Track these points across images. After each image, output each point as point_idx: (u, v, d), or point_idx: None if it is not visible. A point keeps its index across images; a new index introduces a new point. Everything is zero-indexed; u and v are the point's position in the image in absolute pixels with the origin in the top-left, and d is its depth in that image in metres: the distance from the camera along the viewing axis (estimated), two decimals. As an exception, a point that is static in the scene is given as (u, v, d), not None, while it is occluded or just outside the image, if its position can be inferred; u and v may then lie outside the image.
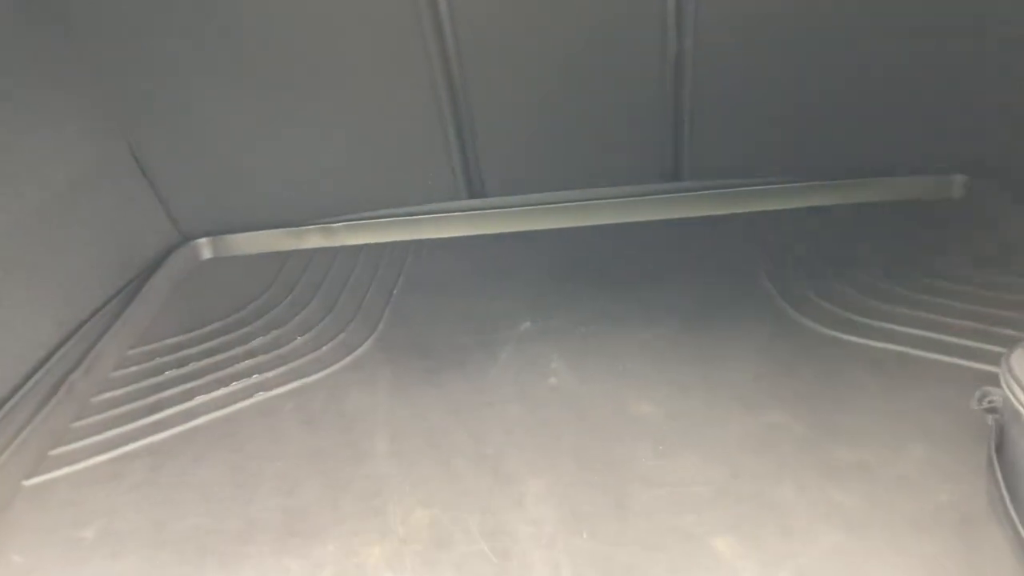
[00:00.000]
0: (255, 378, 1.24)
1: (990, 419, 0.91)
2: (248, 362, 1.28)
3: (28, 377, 1.22)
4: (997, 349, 1.06)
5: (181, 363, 1.30)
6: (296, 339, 1.33)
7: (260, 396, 1.21)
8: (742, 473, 0.98)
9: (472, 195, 1.60)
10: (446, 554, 0.90)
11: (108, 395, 1.25)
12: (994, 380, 0.89)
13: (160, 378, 1.27)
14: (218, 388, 1.23)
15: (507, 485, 1.00)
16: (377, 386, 1.21)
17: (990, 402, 0.91)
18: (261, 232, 1.63)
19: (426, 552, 0.91)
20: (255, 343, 1.33)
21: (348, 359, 1.28)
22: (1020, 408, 0.83)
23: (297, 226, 1.63)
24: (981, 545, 0.85)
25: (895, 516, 0.90)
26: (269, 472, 1.07)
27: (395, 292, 1.44)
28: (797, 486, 0.95)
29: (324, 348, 1.31)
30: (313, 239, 1.63)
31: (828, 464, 0.98)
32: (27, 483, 1.09)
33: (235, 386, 1.23)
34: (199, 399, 1.21)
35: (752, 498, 0.94)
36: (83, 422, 1.19)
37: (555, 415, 1.12)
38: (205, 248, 1.64)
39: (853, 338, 1.18)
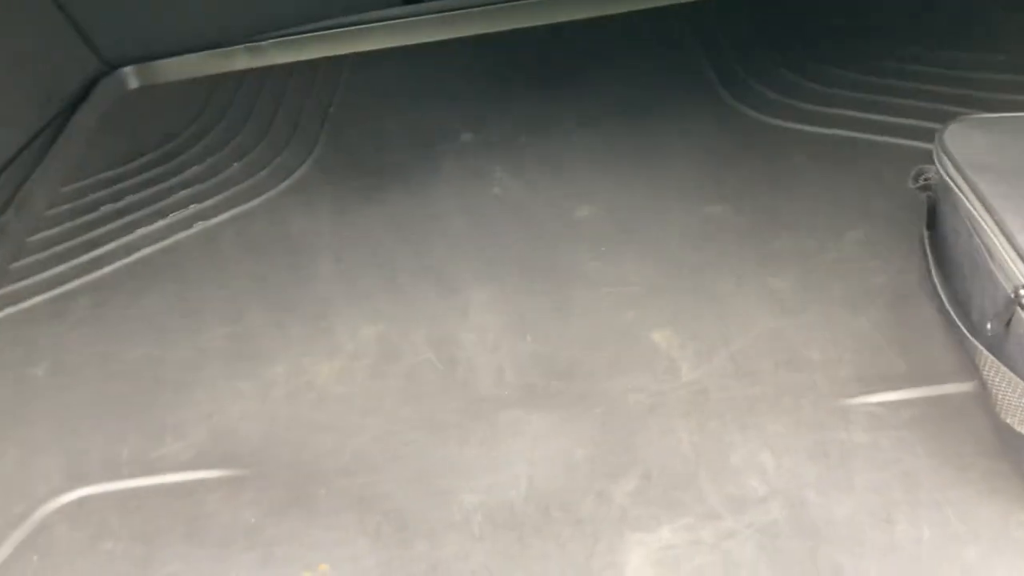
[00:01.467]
0: (193, 208, 1.22)
1: (924, 197, 0.92)
2: (185, 192, 1.25)
3: (-43, 223, 1.19)
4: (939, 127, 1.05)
5: (116, 197, 1.27)
6: (233, 165, 1.29)
7: (200, 226, 1.19)
8: (682, 268, 0.99)
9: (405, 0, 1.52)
10: (394, 366, 0.92)
11: (44, 234, 1.22)
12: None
13: (96, 214, 1.24)
14: (157, 220, 1.20)
15: (451, 296, 1.00)
16: (318, 208, 1.19)
17: (925, 179, 0.91)
18: (187, 56, 1.55)
19: (375, 366, 0.92)
20: (190, 172, 1.29)
21: (287, 182, 1.25)
22: (949, 182, 0.83)
23: (225, 46, 1.55)
24: (911, 320, 0.88)
25: (830, 297, 0.92)
26: (214, 301, 1.06)
27: (330, 111, 1.39)
28: (736, 277, 0.96)
29: (262, 173, 1.27)
30: (242, 60, 1.55)
31: (767, 253, 0.99)
32: (-30, 327, 1.08)
33: (174, 217, 1.21)
34: (139, 232, 1.19)
35: (690, 291, 0.96)
36: (21, 263, 1.17)
37: (499, 225, 1.11)
38: (131, 77, 1.56)
39: (795, 125, 1.17)
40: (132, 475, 0.85)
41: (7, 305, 1.10)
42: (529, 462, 0.80)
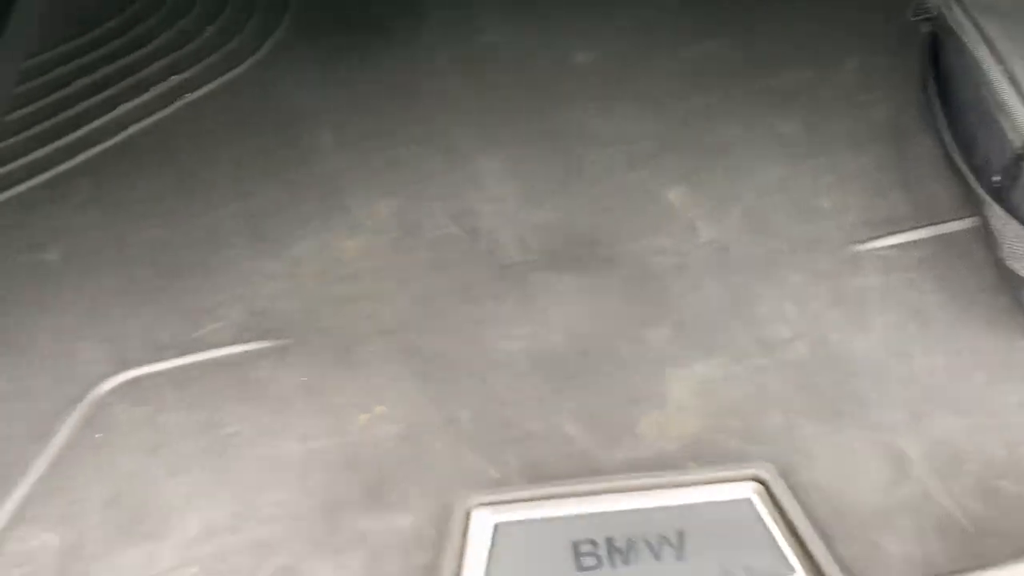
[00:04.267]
0: (175, 79, 1.17)
1: (924, 28, 0.93)
2: (162, 62, 1.20)
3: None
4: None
5: (88, 70, 1.21)
6: (206, 30, 1.24)
7: (187, 98, 1.15)
8: (687, 116, 1.01)
9: None
10: (418, 239, 0.94)
11: (20, 113, 1.16)
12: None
13: (71, 89, 1.19)
14: (139, 95, 1.16)
15: (462, 166, 1.01)
16: (307, 73, 1.16)
17: (926, 10, 0.92)
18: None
19: (399, 240, 0.94)
20: (162, 39, 1.23)
21: (268, 47, 1.21)
22: (954, 23, 0.85)
23: None
24: (914, 157, 0.92)
25: (833, 137, 0.96)
26: (216, 180, 1.04)
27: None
28: (742, 123, 0.99)
29: (240, 36, 1.22)
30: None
31: (770, 92, 1.01)
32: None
33: (156, 91, 1.16)
34: (122, 108, 1.14)
35: (699, 142, 0.98)
36: (4, 144, 1.12)
37: (496, 78, 1.10)
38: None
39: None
40: (177, 355, 0.86)
41: (2, 190, 1.06)
42: (564, 314, 0.84)
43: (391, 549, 0.67)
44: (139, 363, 0.86)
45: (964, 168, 0.82)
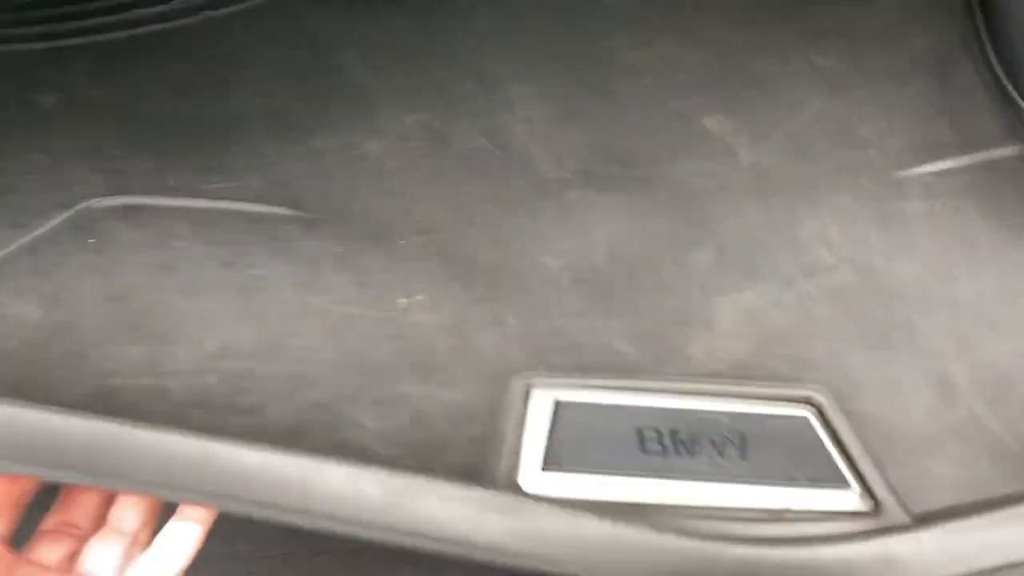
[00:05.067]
0: None
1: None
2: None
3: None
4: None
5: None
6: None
7: (206, 15, 1.11)
8: (724, 51, 0.99)
9: None
10: (447, 149, 0.91)
11: None
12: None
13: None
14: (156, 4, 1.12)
15: (493, 90, 0.99)
16: (331, 4, 1.13)
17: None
18: None
19: (427, 147, 0.91)
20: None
21: (290, -24, 1.18)
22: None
23: None
24: (957, 85, 0.91)
25: (875, 70, 0.94)
26: (239, 77, 0.99)
27: None
28: (780, 57, 0.97)
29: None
30: None
31: (808, 29, 0.99)
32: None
33: (177, 3, 1.13)
34: (138, 12, 1.09)
35: (737, 74, 0.96)
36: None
37: (526, 12, 1.08)
38: None
39: None
40: (185, 196, 0.80)
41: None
42: (605, 233, 0.82)
43: (440, 416, 0.65)
44: (139, 192, 0.80)
45: (1014, 94, 0.80)
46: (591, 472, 0.61)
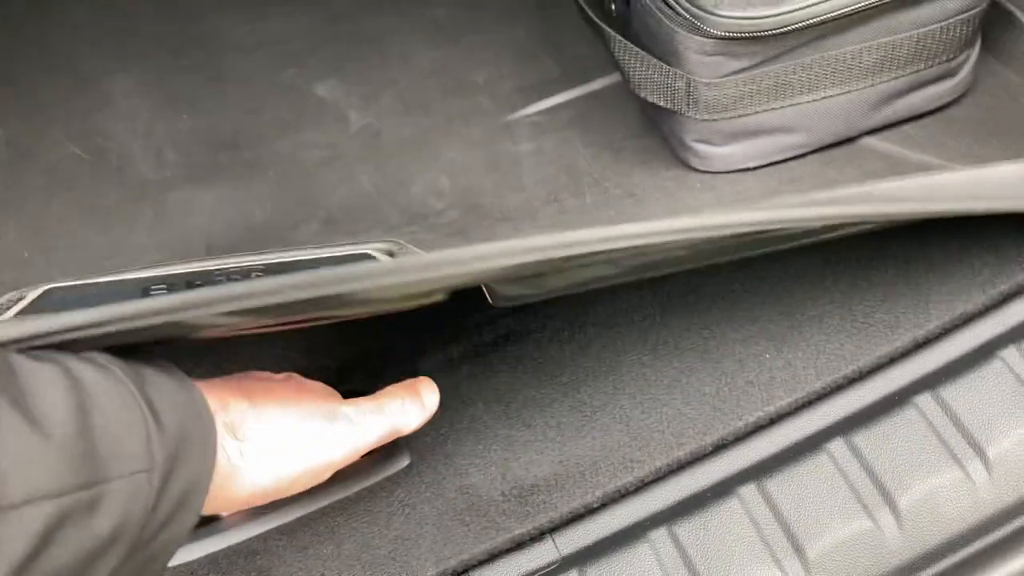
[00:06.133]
0: None
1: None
2: None
3: None
4: None
5: None
6: None
7: None
8: (338, 14, 0.94)
9: None
10: (31, 165, 0.82)
11: None
12: None
13: None
14: None
15: (89, 87, 0.89)
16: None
17: None
18: None
19: (7, 168, 0.82)
20: None
21: None
22: None
23: None
24: (561, 23, 0.89)
25: (487, 16, 0.92)
26: None
27: None
28: (395, 13, 0.93)
29: None
30: None
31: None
32: None
33: None
34: None
35: (350, 37, 0.92)
36: None
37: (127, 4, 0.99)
38: None
39: None
40: None
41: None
42: (207, 235, 0.76)
43: None
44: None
45: (593, 16, 0.80)
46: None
